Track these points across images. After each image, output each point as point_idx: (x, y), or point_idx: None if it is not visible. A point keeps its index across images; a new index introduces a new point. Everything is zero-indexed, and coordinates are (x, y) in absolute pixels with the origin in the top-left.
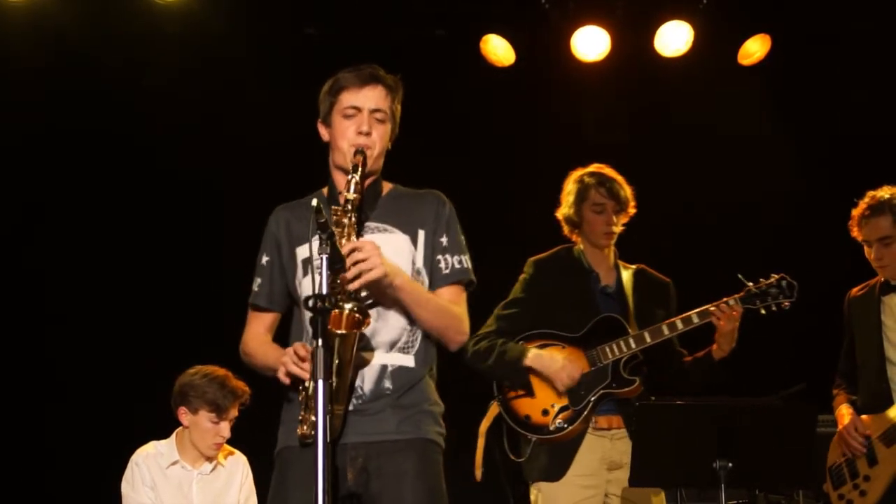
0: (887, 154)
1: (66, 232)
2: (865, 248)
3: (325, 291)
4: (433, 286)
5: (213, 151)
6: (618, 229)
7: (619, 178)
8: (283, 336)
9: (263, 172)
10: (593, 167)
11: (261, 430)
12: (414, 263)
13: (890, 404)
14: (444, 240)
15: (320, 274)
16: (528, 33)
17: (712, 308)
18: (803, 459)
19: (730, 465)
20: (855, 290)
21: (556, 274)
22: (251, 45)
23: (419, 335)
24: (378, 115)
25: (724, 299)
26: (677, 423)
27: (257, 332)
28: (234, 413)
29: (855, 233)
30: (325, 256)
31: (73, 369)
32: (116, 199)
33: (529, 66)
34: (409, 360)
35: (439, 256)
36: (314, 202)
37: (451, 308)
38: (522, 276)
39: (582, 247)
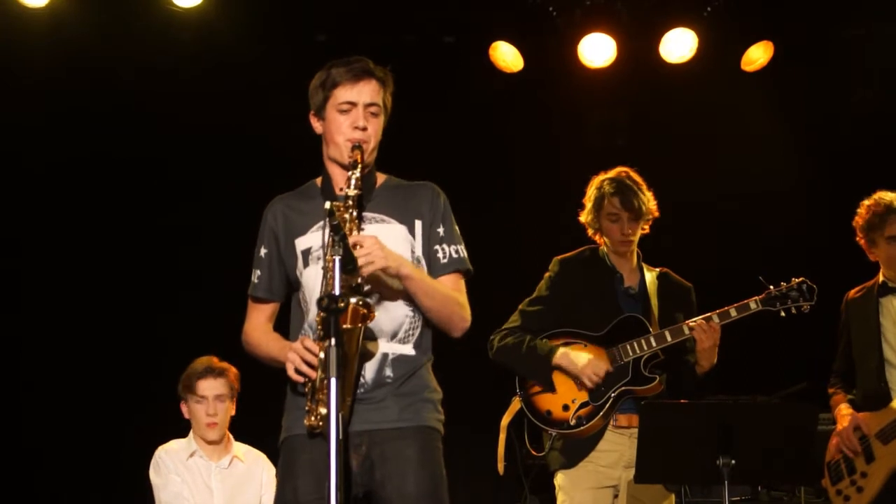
0: (887, 159)
1: (64, 229)
2: (884, 245)
3: (337, 292)
4: (432, 276)
5: (213, 154)
6: (635, 237)
7: (639, 185)
8: (282, 324)
9: (273, 177)
10: (615, 172)
11: (260, 415)
12: (413, 252)
13: (887, 404)
14: (440, 230)
15: (332, 275)
16: (536, 40)
17: (692, 323)
18: (804, 457)
19: (732, 462)
20: (852, 291)
21: (580, 273)
22: (264, 51)
23: (419, 324)
24: (372, 109)
25: (745, 301)
26: (681, 422)
27: (258, 323)
28: (217, 389)
29: (867, 234)
30: (337, 258)
31: (64, 368)
32: (126, 203)
33: (537, 73)
34: (408, 350)
35: (437, 247)
36: (326, 205)
37: (455, 296)
38: (547, 274)
39: (606, 249)
